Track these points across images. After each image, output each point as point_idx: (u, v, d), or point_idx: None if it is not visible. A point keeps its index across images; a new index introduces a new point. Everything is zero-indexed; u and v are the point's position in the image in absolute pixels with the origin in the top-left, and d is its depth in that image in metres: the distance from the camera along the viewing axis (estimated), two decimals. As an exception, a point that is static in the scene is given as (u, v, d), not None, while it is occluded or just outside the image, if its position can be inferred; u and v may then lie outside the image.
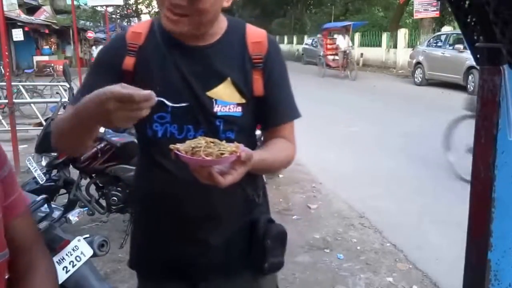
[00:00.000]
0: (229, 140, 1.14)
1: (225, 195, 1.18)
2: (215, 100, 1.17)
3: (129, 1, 33.89)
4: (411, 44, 19.16)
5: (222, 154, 0.96)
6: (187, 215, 1.22)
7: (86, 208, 3.46)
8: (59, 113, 5.20)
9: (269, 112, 1.24)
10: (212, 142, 1.00)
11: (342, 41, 17.34)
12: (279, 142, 1.25)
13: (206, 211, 1.22)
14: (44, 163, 3.58)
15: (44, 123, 5.68)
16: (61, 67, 5.97)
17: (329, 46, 18.57)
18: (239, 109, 1.19)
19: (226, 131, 1.19)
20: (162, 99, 1.00)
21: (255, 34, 1.23)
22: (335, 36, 18.29)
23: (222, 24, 1.21)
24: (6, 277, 0.94)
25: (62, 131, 1.10)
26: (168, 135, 1.18)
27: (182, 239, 1.25)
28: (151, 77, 1.17)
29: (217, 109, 1.17)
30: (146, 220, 1.32)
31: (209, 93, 1.17)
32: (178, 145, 1.00)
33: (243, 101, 1.19)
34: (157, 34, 1.20)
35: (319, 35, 27.91)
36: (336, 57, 17.70)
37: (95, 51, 20.57)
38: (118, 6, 27.61)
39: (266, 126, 1.28)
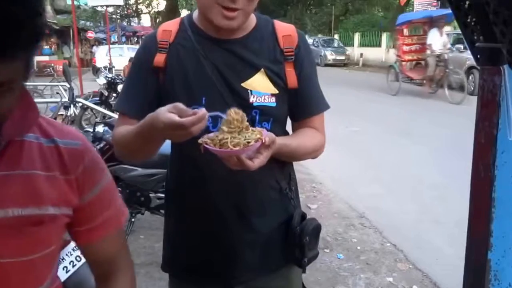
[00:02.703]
0: None
1: (259, 189, 1.21)
2: (250, 90, 1.18)
3: (129, 1, 33.90)
4: (411, 44, 19.10)
5: (248, 142, 1.01)
6: (220, 211, 1.22)
7: (86, 208, 3.45)
8: (59, 113, 5.20)
9: (301, 104, 1.26)
10: (238, 132, 1.03)
11: (437, 40, 10.81)
12: (307, 131, 1.27)
13: (239, 206, 1.22)
14: (44, 163, 3.57)
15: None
16: (61, 67, 5.98)
17: (405, 48, 11.95)
18: (273, 99, 1.20)
19: (263, 122, 1.20)
20: (218, 113, 1.04)
21: (284, 28, 1.25)
22: (427, 31, 11.49)
23: (252, 18, 1.23)
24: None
25: (127, 146, 1.19)
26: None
27: (216, 237, 1.24)
28: (183, 71, 1.19)
29: (252, 99, 1.18)
30: (179, 218, 1.31)
31: (244, 84, 1.18)
32: (206, 138, 1.04)
33: (276, 91, 1.20)
34: (188, 30, 1.21)
35: (319, 35, 27.72)
36: (419, 64, 11.88)
37: (96, 50, 20.59)
38: (118, 6, 27.65)
39: (297, 118, 1.29)
